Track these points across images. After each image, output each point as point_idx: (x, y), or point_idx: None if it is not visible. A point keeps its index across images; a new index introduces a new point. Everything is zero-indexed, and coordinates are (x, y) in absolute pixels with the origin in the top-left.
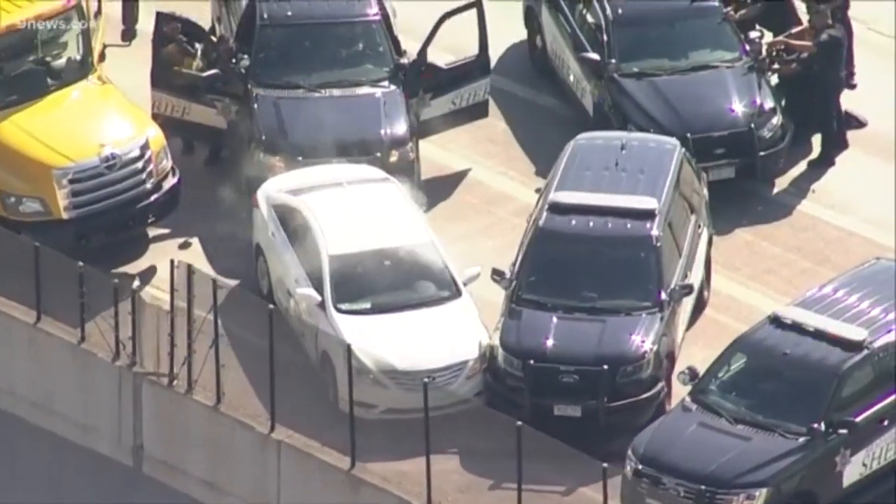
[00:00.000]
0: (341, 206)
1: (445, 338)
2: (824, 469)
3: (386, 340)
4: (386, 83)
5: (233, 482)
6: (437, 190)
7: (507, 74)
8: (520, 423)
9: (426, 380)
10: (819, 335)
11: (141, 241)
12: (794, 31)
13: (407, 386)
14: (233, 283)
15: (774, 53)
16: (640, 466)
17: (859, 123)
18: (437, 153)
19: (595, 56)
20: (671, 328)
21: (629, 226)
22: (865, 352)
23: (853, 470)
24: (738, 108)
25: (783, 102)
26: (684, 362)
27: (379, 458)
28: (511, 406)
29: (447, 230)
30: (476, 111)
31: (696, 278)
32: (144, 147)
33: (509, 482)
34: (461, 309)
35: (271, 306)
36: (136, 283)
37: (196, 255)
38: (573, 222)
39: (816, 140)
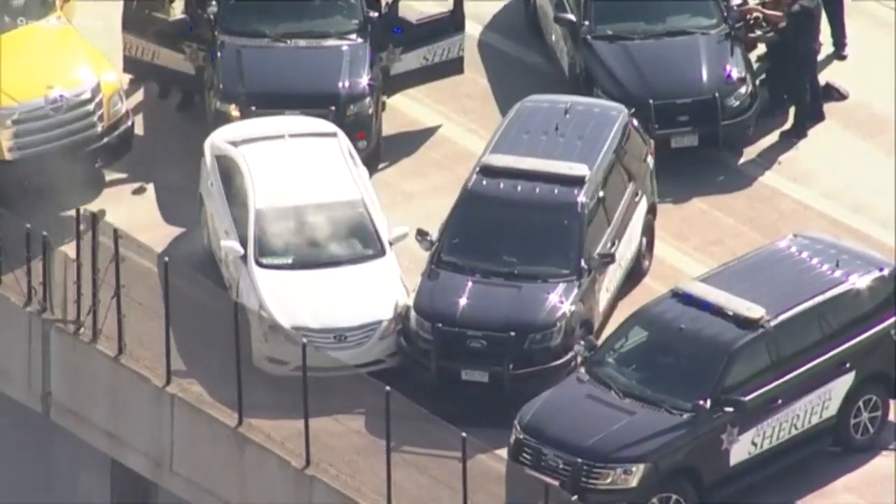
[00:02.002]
0: (278, 159)
1: (361, 297)
2: (709, 447)
3: (302, 297)
4: (353, 36)
5: (132, 434)
6: (403, 145)
7: (500, 31)
8: (388, 388)
9: (305, 340)
10: (716, 311)
11: (96, 185)
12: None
13: (318, 344)
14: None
15: (752, 21)
16: (522, 436)
17: (840, 95)
18: (411, 107)
19: (571, 17)
20: (590, 297)
21: (556, 192)
22: (761, 330)
23: (741, 449)
24: (706, 75)
25: (766, 72)
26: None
27: (280, 416)
28: (420, 369)
29: (403, 187)
30: (450, 67)
31: (629, 247)
32: (96, 90)
33: (409, 445)
34: (383, 268)
35: (166, 259)
36: (82, 226)
37: (149, 202)
38: (501, 186)
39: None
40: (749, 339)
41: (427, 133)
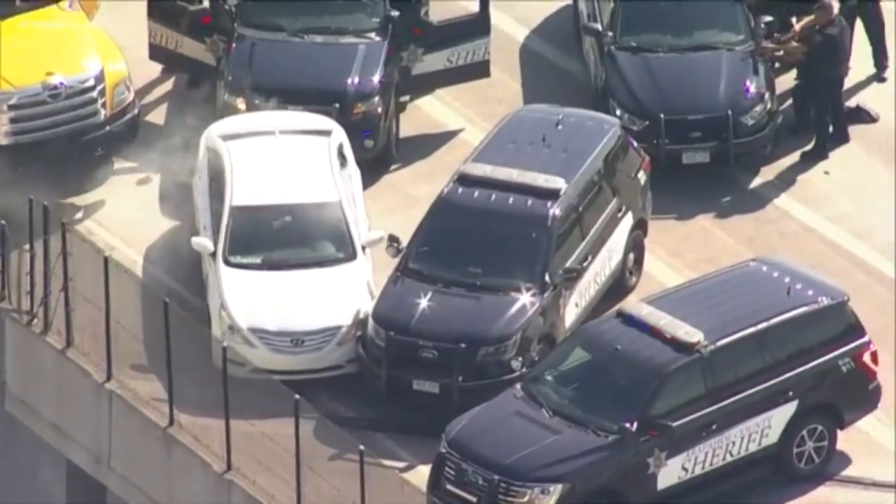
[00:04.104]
0: (262, 156)
1: (323, 301)
2: (634, 470)
3: (264, 298)
4: (372, 34)
5: (75, 428)
6: (420, 147)
7: (545, 36)
8: (297, 396)
9: (224, 344)
10: (655, 333)
11: (103, 173)
12: (798, 24)
13: (275, 347)
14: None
15: (779, 40)
16: (445, 451)
17: (870, 118)
18: (437, 108)
19: (596, 26)
20: (553, 312)
21: (529, 204)
22: (697, 355)
23: (670, 473)
24: (722, 92)
25: (794, 91)
26: None
27: (221, 417)
28: (372, 377)
29: (409, 190)
30: (476, 70)
31: (607, 263)
32: (99, 78)
33: (354, 454)
34: (353, 272)
35: (106, 254)
36: (79, 214)
37: (150, 192)
38: (476, 195)
39: None
40: (683, 364)
41: (447, 136)
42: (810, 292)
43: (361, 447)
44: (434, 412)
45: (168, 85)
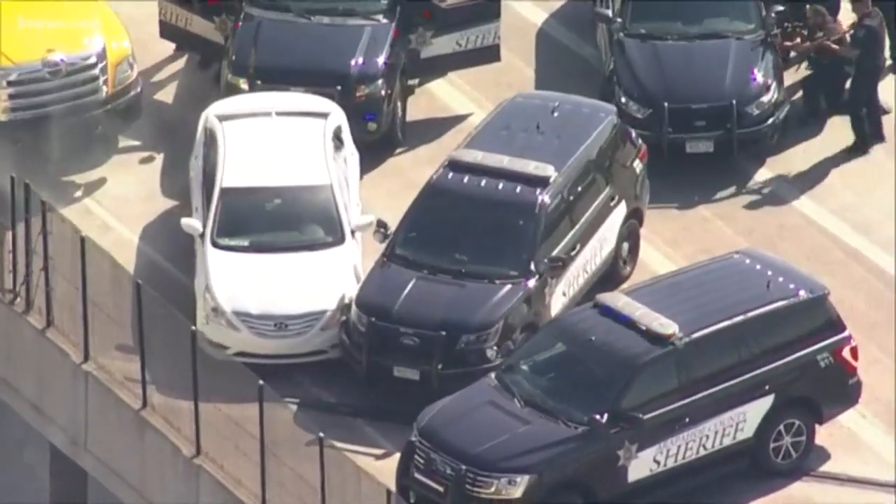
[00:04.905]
0: (255, 138)
1: (308, 285)
2: (603, 462)
3: (249, 282)
4: (380, 16)
5: (53, 409)
6: (427, 131)
7: (564, 22)
8: (261, 382)
9: (194, 328)
10: (630, 325)
11: (106, 150)
12: (845, 29)
13: (258, 330)
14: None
15: (790, 30)
16: (415, 439)
17: (883, 111)
18: (447, 92)
19: (607, 12)
20: (538, 301)
21: (518, 191)
22: (671, 347)
23: (641, 466)
24: (728, 81)
25: (804, 80)
26: None
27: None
28: (353, 362)
29: (411, 175)
30: (486, 54)
31: (598, 252)
32: (101, 56)
33: (332, 439)
34: (341, 256)
35: (83, 234)
36: (78, 192)
37: (152, 171)
38: (465, 181)
39: (833, 126)
40: (656, 356)
41: (455, 120)
42: (791, 286)
43: (321, 434)
44: (414, 399)
45: (179, 63)
